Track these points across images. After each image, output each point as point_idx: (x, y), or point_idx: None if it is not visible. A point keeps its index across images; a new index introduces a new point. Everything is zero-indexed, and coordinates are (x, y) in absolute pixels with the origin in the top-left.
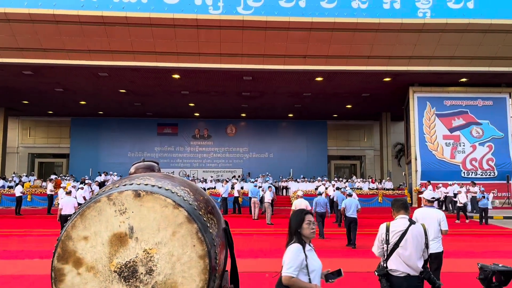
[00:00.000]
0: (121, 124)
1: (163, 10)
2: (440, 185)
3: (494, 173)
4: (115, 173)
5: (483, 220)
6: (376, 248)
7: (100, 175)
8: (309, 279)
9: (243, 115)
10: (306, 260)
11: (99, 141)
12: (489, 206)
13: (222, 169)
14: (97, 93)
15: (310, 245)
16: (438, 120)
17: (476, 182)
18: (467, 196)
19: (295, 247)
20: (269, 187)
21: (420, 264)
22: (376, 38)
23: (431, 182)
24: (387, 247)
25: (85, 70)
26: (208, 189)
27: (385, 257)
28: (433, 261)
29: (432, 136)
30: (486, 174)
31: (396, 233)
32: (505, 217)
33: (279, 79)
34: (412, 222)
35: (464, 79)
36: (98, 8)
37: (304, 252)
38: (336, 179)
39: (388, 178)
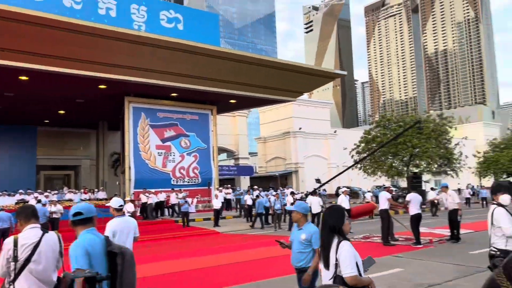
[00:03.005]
0: None
1: None
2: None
3: (199, 180)
4: None
5: (186, 223)
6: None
7: None
8: (360, 273)
9: None
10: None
11: None
12: (192, 210)
13: None
14: None
15: None
16: (152, 131)
17: (183, 189)
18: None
19: (348, 245)
20: None
21: (54, 276)
22: (90, 42)
23: (147, 190)
24: (15, 264)
25: None
26: None
27: (12, 277)
28: None
29: (146, 146)
30: (192, 181)
31: (27, 247)
32: (204, 219)
33: None
34: (45, 231)
35: (175, 94)
36: None
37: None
38: (39, 191)
39: (102, 188)
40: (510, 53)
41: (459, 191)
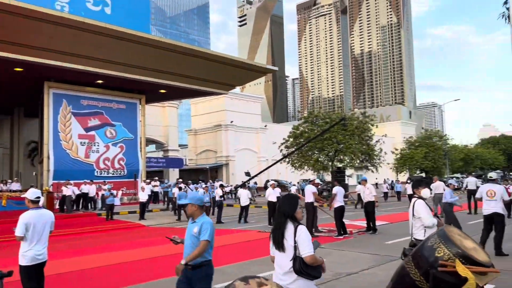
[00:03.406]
0: None
1: None
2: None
3: (124, 172)
4: None
5: (110, 217)
6: None
7: None
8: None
9: None
10: None
11: None
12: (117, 203)
13: None
14: None
15: None
16: (74, 119)
17: (107, 180)
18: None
19: (305, 228)
20: None
21: None
22: (5, 21)
23: (70, 181)
24: None
25: None
26: None
27: None
28: (41, 273)
29: (67, 134)
30: (117, 172)
31: None
32: (129, 212)
33: None
34: None
35: (100, 81)
36: None
37: None
38: None
39: (16, 179)
40: (426, 58)
41: (376, 185)
